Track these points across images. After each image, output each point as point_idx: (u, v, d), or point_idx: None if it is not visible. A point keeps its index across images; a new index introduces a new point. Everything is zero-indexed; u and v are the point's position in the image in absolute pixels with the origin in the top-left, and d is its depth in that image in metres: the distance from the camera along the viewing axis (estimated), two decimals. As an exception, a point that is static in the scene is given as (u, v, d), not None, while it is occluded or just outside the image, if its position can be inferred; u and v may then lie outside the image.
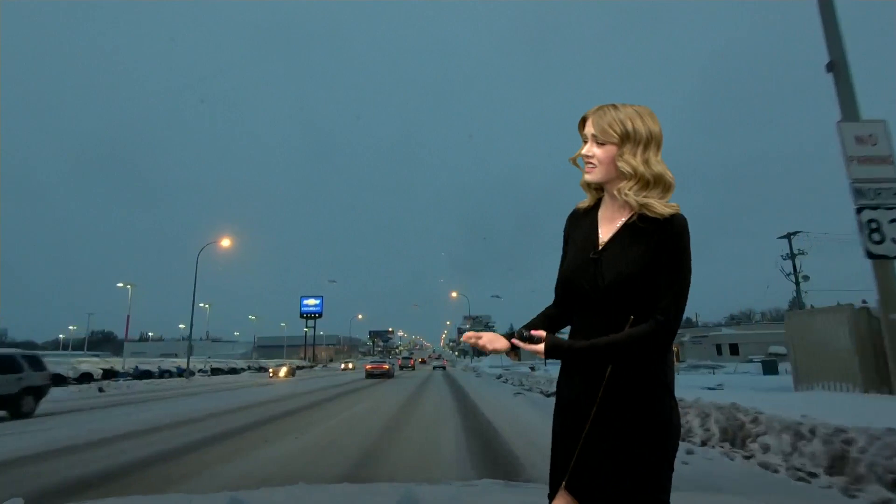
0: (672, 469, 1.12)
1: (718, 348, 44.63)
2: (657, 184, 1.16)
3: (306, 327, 76.59)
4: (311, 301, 77.76)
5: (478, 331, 1.29)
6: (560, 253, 1.34)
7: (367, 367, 28.92)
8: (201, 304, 61.29)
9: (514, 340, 1.21)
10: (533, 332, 1.19)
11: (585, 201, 1.32)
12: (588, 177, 1.24)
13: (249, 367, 53.91)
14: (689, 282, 1.13)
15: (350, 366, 55.53)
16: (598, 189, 1.29)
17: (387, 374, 27.83)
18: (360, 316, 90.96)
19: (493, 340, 1.24)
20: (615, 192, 1.21)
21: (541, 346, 1.16)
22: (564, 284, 1.25)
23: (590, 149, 1.21)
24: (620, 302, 1.13)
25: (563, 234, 1.35)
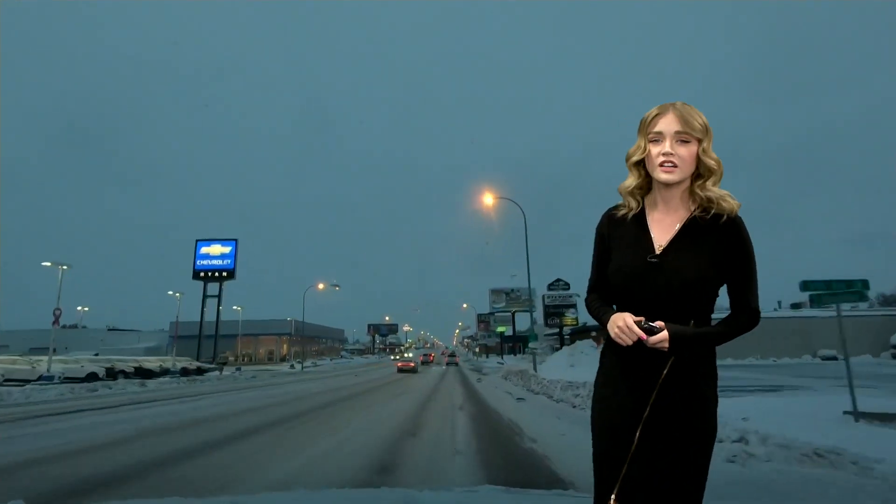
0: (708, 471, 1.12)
1: None
2: (721, 177, 1.16)
3: (206, 295, 41.28)
4: (215, 248, 42.49)
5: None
6: (592, 251, 1.33)
7: (399, 364, 35.75)
8: (170, 293, 38.05)
9: (642, 336, 1.13)
10: (654, 324, 1.13)
11: (624, 207, 1.26)
12: (669, 177, 1.17)
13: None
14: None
15: None
16: (639, 193, 1.26)
17: (413, 371, 33.76)
18: (320, 286, 55.34)
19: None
20: (696, 189, 1.18)
21: (665, 335, 1.11)
22: (621, 289, 1.21)
23: (673, 146, 1.15)
24: (684, 305, 1.13)
25: (597, 233, 1.31)
